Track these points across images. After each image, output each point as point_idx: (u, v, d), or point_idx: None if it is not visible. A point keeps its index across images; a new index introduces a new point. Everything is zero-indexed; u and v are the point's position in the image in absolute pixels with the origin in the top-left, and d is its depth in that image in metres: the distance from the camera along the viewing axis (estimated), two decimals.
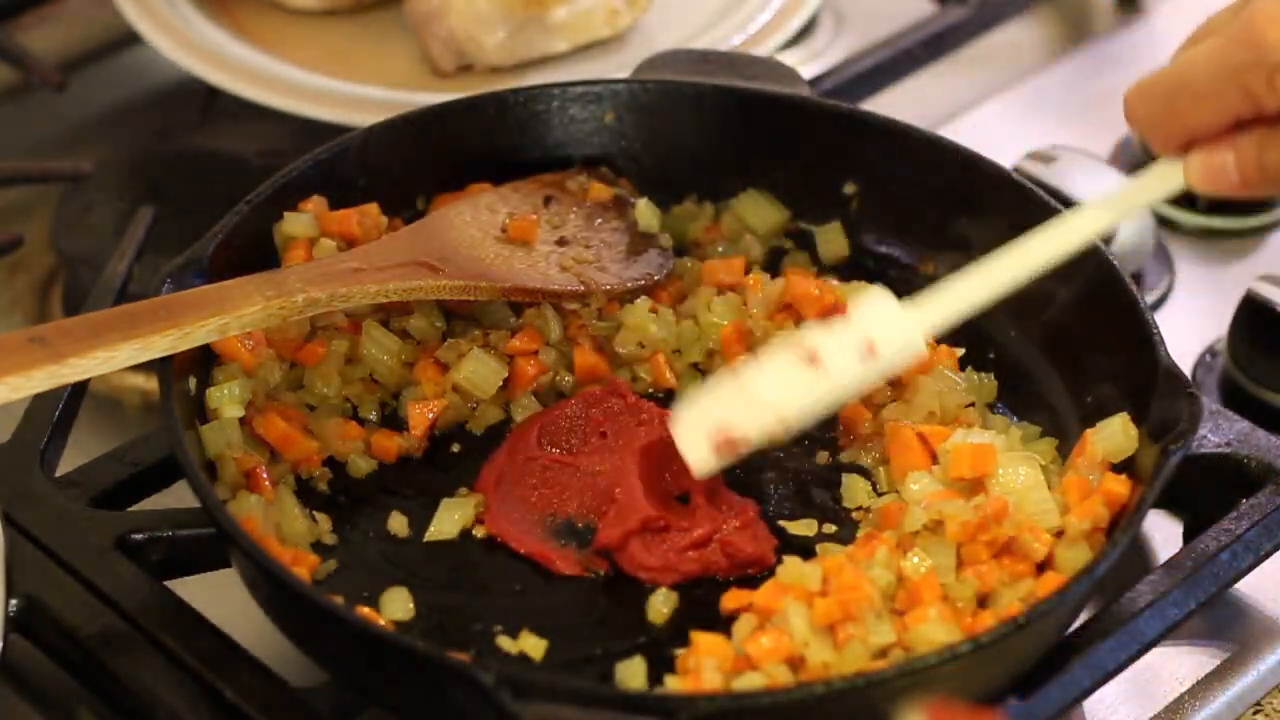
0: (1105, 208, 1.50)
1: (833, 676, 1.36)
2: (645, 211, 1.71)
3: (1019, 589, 1.43)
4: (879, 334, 1.47)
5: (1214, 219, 1.97)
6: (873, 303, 1.49)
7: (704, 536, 1.50)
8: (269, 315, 1.49)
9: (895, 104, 2.04)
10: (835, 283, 1.69)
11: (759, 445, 1.48)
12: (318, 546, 1.51)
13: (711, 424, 1.48)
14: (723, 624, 1.43)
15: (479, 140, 1.72)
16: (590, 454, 1.57)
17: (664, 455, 1.55)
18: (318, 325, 1.60)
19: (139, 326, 1.44)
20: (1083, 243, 1.49)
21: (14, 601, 1.44)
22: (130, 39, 2.10)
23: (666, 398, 1.64)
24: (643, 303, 1.64)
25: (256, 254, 1.59)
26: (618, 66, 2.00)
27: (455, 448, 1.61)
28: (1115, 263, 1.56)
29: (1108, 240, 1.81)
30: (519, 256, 1.65)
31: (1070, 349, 1.59)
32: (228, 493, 1.50)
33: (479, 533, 1.53)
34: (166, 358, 1.46)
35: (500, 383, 1.61)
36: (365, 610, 1.44)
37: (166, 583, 1.48)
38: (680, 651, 1.42)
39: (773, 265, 1.72)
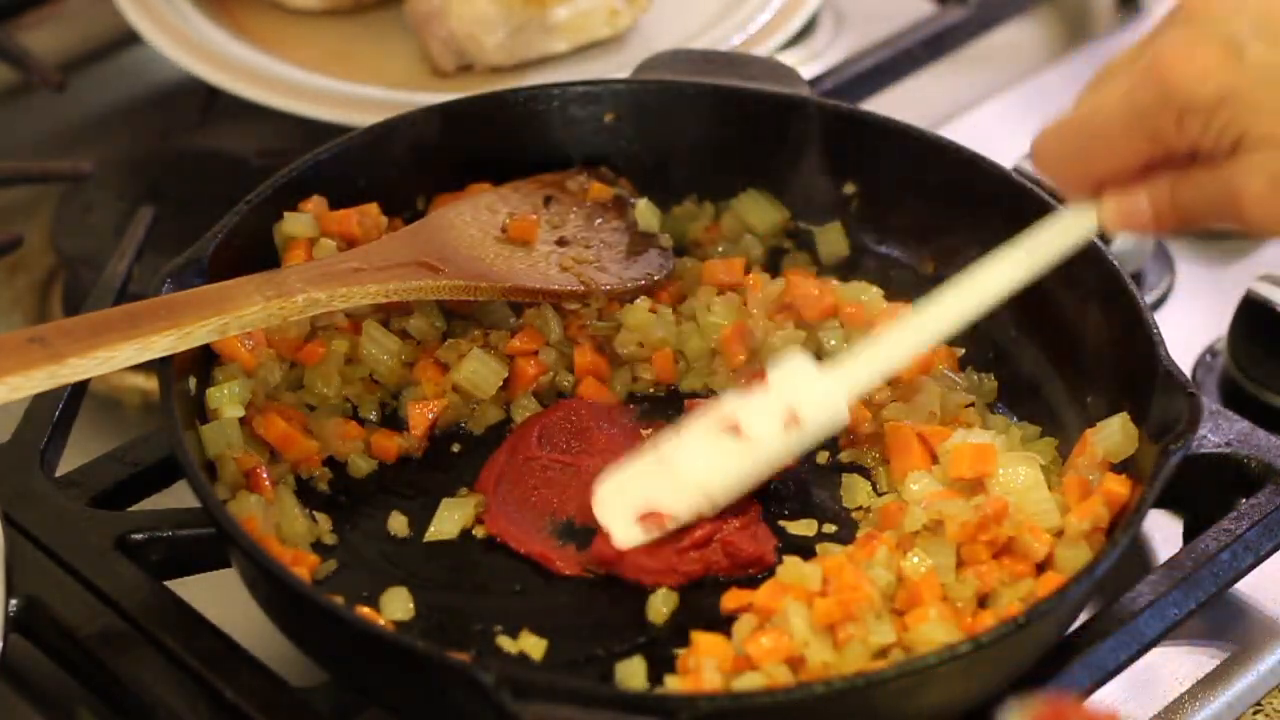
0: (1017, 261, 1.47)
1: (833, 676, 1.36)
2: (645, 211, 1.71)
3: (1019, 589, 1.43)
4: (800, 400, 1.47)
5: None
6: (791, 367, 1.49)
7: (705, 536, 1.50)
8: (269, 315, 1.49)
9: (895, 104, 2.04)
10: (835, 283, 1.69)
11: (685, 521, 1.48)
12: (318, 546, 1.51)
13: (635, 499, 1.48)
14: (723, 624, 1.43)
15: (479, 140, 1.72)
16: (590, 454, 1.57)
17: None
18: (318, 325, 1.60)
19: (139, 326, 1.44)
20: (996, 299, 1.47)
21: (14, 601, 1.44)
22: (130, 39, 2.09)
23: (669, 396, 1.64)
24: (643, 303, 1.65)
25: (256, 254, 1.59)
26: (618, 66, 2.00)
27: (455, 448, 1.61)
28: (1115, 263, 1.56)
29: (1107, 240, 1.81)
30: (519, 256, 1.65)
31: (1070, 349, 1.59)
32: (228, 493, 1.50)
33: (479, 533, 1.53)
34: (166, 358, 1.46)
35: (500, 383, 1.61)
36: (365, 610, 1.44)
37: (166, 583, 1.48)
38: (680, 651, 1.42)
39: (773, 265, 1.72)
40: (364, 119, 1.78)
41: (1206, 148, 1.36)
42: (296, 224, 1.61)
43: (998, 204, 1.64)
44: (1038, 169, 1.44)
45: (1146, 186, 1.40)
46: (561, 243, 1.67)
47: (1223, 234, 1.96)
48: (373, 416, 1.61)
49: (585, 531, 1.52)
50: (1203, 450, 1.55)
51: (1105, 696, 1.49)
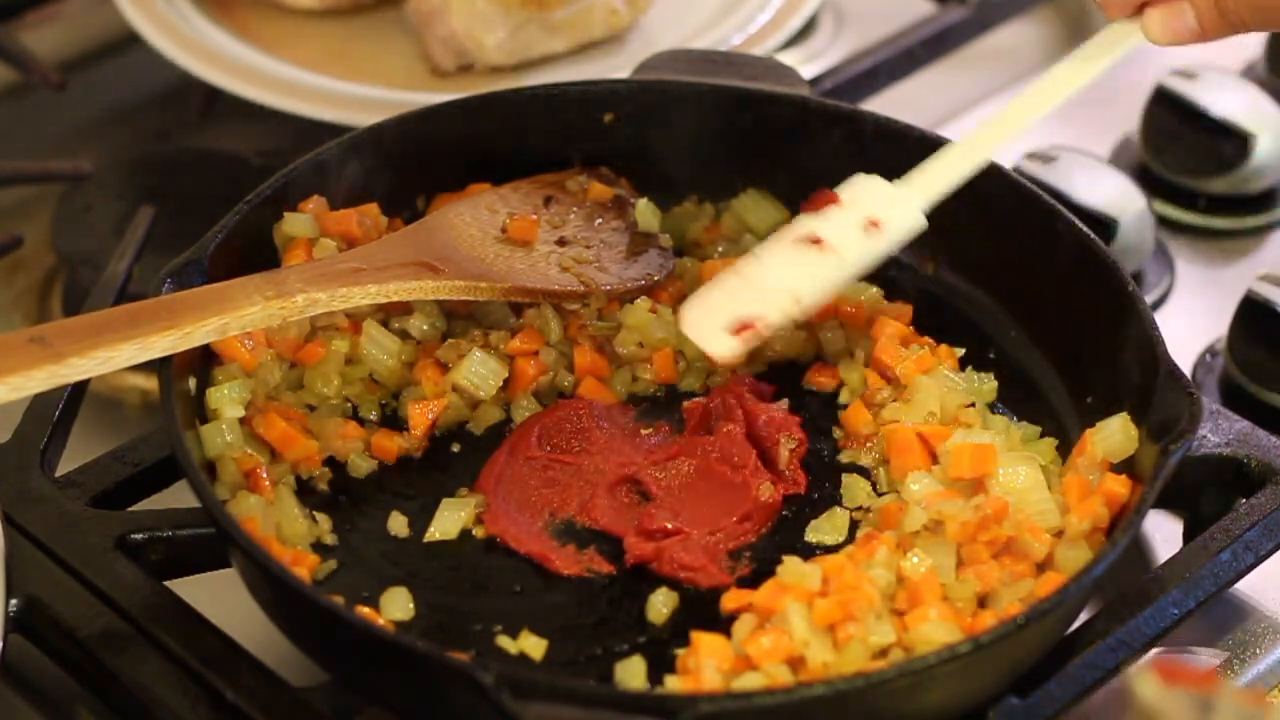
0: (1067, 72, 1.53)
1: (833, 676, 1.36)
2: (645, 211, 1.71)
3: (1019, 589, 1.43)
4: (878, 209, 1.53)
5: (1214, 219, 1.97)
6: (864, 184, 1.55)
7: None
8: (269, 315, 1.49)
9: (895, 104, 2.04)
10: None
11: (779, 327, 1.53)
12: (318, 546, 1.51)
13: (724, 315, 1.52)
14: (723, 624, 1.43)
15: (479, 140, 1.72)
16: (590, 454, 1.57)
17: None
18: (318, 325, 1.60)
19: (139, 326, 1.44)
20: (1050, 108, 1.53)
21: (14, 601, 1.45)
22: (130, 39, 2.09)
23: (669, 396, 1.64)
24: (643, 303, 1.65)
25: (256, 254, 1.59)
26: (618, 66, 2.00)
27: (455, 448, 1.60)
28: (1115, 263, 1.56)
29: (1108, 240, 1.81)
30: (519, 256, 1.65)
31: (1070, 349, 1.59)
32: (228, 493, 1.50)
33: (479, 533, 1.53)
34: (166, 358, 1.46)
35: (500, 383, 1.61)
36: (365, 610, 1.44)
37: (166, 583, 1.48)
38: (680, 651, 1.42)
39: None
40: (364, 119, 1.78)
41: None
42: (296, 224, 1.62)
43: (998, 204, 1.64)
44: None
45: None
46: (561, 243, 1.67)
47: (1223, 234, 1.97)
48: (373, 416, 1.61)
49: (586, 531, 1.52)
50: (1203, 450, 1.55)
51: None
